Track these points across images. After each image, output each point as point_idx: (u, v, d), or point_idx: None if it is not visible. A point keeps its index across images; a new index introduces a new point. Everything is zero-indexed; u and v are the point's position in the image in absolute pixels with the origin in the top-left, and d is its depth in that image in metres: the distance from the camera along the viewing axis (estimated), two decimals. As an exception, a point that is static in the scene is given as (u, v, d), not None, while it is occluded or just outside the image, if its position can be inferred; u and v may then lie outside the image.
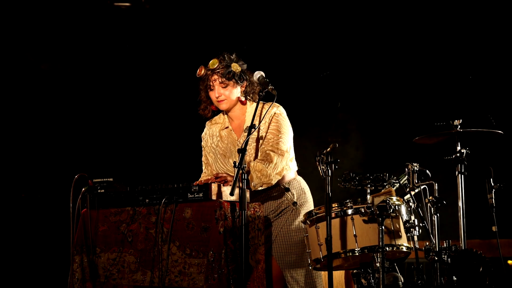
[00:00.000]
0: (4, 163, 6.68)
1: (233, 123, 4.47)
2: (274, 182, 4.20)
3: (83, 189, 4.10)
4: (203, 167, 4.57)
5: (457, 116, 4.49)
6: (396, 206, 4.14)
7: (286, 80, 6.53)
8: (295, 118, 4.53)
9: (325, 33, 6.75)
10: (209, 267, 3.75)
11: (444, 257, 4.16)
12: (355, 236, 4.05)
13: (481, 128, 4.48)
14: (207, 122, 4.60)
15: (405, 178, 4.27)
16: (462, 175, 4.43)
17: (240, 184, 3.81)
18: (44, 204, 6.65)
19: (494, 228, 4.49)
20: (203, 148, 4.58)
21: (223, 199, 3.89)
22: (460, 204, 4.44)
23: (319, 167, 3.91)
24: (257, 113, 4.24)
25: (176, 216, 3.89)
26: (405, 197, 4.26)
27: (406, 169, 4.26)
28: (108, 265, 4.02)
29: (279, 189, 4.34)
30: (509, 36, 6.35)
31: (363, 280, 4.21)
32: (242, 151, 3.88)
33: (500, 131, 4.45)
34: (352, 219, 4.08)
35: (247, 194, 3.89)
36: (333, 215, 4.07)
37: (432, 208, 4.25)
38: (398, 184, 4.27)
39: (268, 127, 4.32)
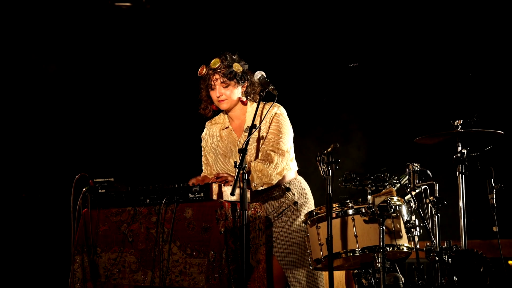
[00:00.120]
0: (4, 163, 6.68)
1: (233, 123, 4.47)
2: (274, 182, 4.20)
3: (84, 189, 4.10)
4: (203, 167, 4.57)
5: (457, 116, 4.49)
6: (397, 206, 4.14)
7: (288, 80, 6.53)
8: (298, 118, 4.53)
9: (326, 33, 6.75)
10: (209, 267, 3.75)
11: (445, 257, 4.16)
12: (355, 236, 4.05)
13: (482, 128, 4.48)
14: (207, 122, 4.60)
15: (406, 178, 4.27)
16: (463, 175, 4.43)
17: (241, 184, 3.81)
18: (45, 204, 6.65)
19: (495, 229, 4.49)
20: (203, 149, 4.58)
21: (224, 199, 3.89)
22: (461, 204, 4.44)
23: (319, 167, 3.91)
24: (257, 113, 4.25)
25: (177, 216, 3.89)
26: (406, 197, 4.26)
27: (407, 169, 4.26)
28: (109, 265, 4.02)
29: (280, 189, 4.35)
30: (510, 36, 6.35)
31: (363, 280, 4.21)
32: (243, 151, 3.88)
33: (501, 131, 4.44)
34: (353, 219, 4.08)
35: (248, 194, 3.89)
36: (334, 215, 4.07)
37: (432, 209, 4.25)
38: (399, 184, 4.27)
39: (269, 127, 4.32)
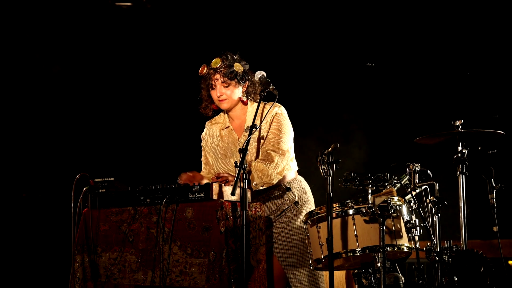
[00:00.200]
0: (5, 163, 6.68)
1: (233, 123, 4.48)
2: (275, 181, 4.20)
3: (84, 188, 4.10)
4: (202, 167, 4.57)
5: (458, 116, 4.49)
6: (397, 206, 4.13)
7: (289, 80, 6.54)
8: (299, 118, 4.53)
9: (327, 33, 6.75)
10: (210, 267, 3.75)
11: (445, 257, 4.16)
12: (356, 236, 4.05)
13: (483, 128, 4.48)
14: (207, 122, 4.60)
15: (406, 178, 4.27)
16: (463, 176, 4.43)
17: (242, 184, 3.81)
18: (45, 203, 6.65)
19: (495, 229, 4.49)
20: (202, 148, 4.58)
21: (224, 199, 3.89)
22: (461, 204, 4.44)
23: (320, 167, 3.91)
24: (258, 112, 4.25)
25: (177, 216, 3.89)
26: (406, 197, 4.26)
27: (407, 169, 4.26)
28: (109, 265, 4.02)
29: (281, 189, 4.35)
30: (510, 36, 6.35)
31: (364, 280, 4.21)
32: (243, 151, 3.88)
33: (501, 131, 4.44)
34: (353, 219, 4.08)
35: (248, 194, 3.89)
36: (334, 215, 4.07)
37: (433, 208, 4.25)
38: (399, 184, 4.27)
39: (270, 127, 4.32)
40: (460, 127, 4.44)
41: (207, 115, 4.53)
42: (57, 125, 6.80)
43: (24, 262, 6.58)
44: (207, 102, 4.47)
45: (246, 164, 3.85)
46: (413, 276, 4.28)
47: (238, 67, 4.33)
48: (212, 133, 4.53)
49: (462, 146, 4.46)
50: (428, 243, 4.21)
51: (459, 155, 4.42)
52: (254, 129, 4.12)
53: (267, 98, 4.28)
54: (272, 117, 4.34)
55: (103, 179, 4.12)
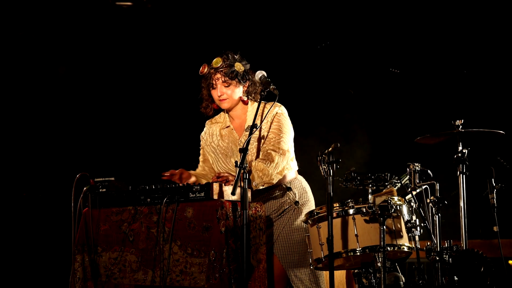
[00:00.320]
0: (5, 162, 6.68)
1: (234, 122, 4.48)
2: (275, 181, 4.20)
3: (85, 188, 4.10)
4: (199, 165, 4.57)
5: (459, 116, 4.49)
6: (398, 206, 4.14)
7: (290, 80, 6.54)
8: (301, 118, 4.53)
9: (327, 33, 6.75)
10: (210, 266, 3.75)
11: (445, 257, 4.16)
12: (356, 235, 4.05)
13: (483, 128, 4.48)
14: (207, 121, 4.61)
15: (406, 178, 4.27)
16: (464, 175, 4.43)
17: (242, 184, 3.81)
18: (46, 203, 6.65)
19: (495, 228, 4.49)
20: (201, 147, 4.59)
21: (225, 198, 3.89)
22: (461, 204, 4.44)
23: (320, 167, 3.91)
24: (258, 112, 4.25)
25: (178, 216, 3.89)
26: (407, 197, 4.26)
27: (408, 169, 4.26)
28: (110, 265, 4.03)
29: (281, 188, 4.35)
30: (510, 36, 6.35)
31: (364, 280, 4.21)
32: (243, 151, 3.88)
33: (502, 131, 4.44)
34: (354, 219, 4.08)
35: (249, 194, 3.89)
36: (334, 214, 4.07)
37: (433, 208, 4.25)
38: (400, 184, 4.27)
39: (270, 126, 4.32)
40: (461, 127, 4.44)
41: (207, 114, 4.53)
42: (57, 125, 6.80)
43: (25, 261, 6.58)
44: (208, 102, 4.47)
45: (247, 163, 3.85)
46: (413, 275, 4.28)
47: (239, 66, 4.33)
48: (212, 132, 4.53)
49: (462, 146, 4.46)
50: (429, 243, 4.21)
51: (459, 155, 4.43)
52: (254, 129, 4.12)
53: (268, 97, 4.28)
54: (273, 117, 4.34)
55: (104, 179, 4.12)
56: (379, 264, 4.01)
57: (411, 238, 4.16)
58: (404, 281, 4.26)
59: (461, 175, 4.43)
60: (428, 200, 4.25)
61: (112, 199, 4.08)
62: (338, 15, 6.73)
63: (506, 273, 4.55)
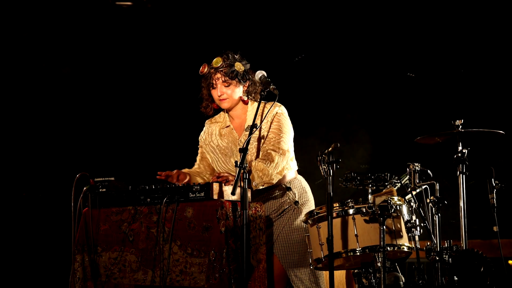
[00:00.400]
0: (5, 162, 6.68)
1: (234, 122, 4.48)
2: (275, 181, 4.20)
3: (85, 188, 4.10)
4: (195, 163, 4.57)
5: (458, 116, 4.49)
6: (398, 206, 4.14)
7: (291, 80, 6.54)
8: (302, 118, 4.52)
9: (328, 33, 6.75)
10: (210, 266, 3.75)
11: (445, 257, 4.16)
12: (356, 235, 4.05)
13: (483, 128, 4.48)
14: (206, 120, 4.61)
15: (406, 178, 4.27)
16: (464, 175, 4.43)
17: (242, 184, 3.81)
18: (46, 203, 6.65)
19: (495, 228, 4.49)
20: (200, 146, 4.58)
21: (225, 198, 3.89)
22: (461, 204, 4.44)
23: (320, 167, 3.91)
24: (258, 112, 4.25)
25: (178, 216, 3.89)
26: (407, 197, 4.26)
27: (408, 169, 4.26)
28: (109, 264, 4.03)
29: (281, 188, 4.35)
30: (510, 36, 6.35)
31: (364, 280, 4.21)
32: (243, 151, 3.88)
33: (501, 131, 4.44)
34: (354, 218, 4.08)
35: (249, 194, 3.89)
36: (334, 214, 4.07)
37: (433, 208, 4.26)
38: (400, 184, 4.27)
39: (270, 126, 4.32)
40: (460, 127, 4.44)
41: (207, 114, 4.53)
42: (57, 124, 6.80)
43: (24, 261, 6.58)
44: (208, 101, 4.47)
45: (246, 163, 3.85)
46: (413, 275, 4.28)
47: (239, 66, 4.33)
48: (211, 132, 4.53)
49: (462, 146, 4.46)
50: (428, 243, 4.21)
51: (459, 155, 4.43)
52: (254, 129, 4.12)
53: (268, 97, 4.28)
54: (273, 117, 4.34)
55: (103, 179, 4.12)
56: (379, 264, 4.01)
57: (411, 238, 4.16)
58: (404, 281, 4.26)
59: (461, 175, 4.43)
60: (428, 200, 4.25)
61: (112, 199, 4.08)
62: (338, 15, 6.72)
63: (506, 273, 4.55)
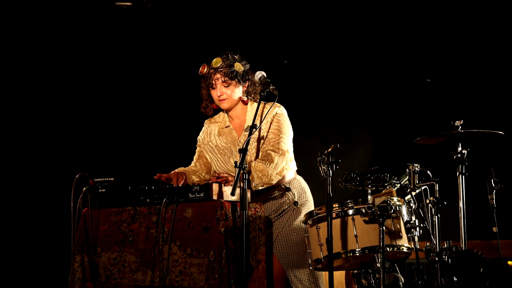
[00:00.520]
0: (4, 163, 6.68)
1: (233, 122, 4.48)
2: (274, 182, 4.20)
3: (84, 188, 4.10)
4: (192, 162, 4.57)
5: (458, 117, 4.49)
6: (397, 207, 4.14)
7: (293, 80, 6.54)
8: (302, 118, 4.52)
9: (328, 34, 6.75)
10: (209, 267, 3.75)
11: (445, 258, 4.16)
12: (355, 236, 4.05)
13: (482, 129, 4.48)
14: (206, 120, 4.61)
15: (406, 179, 4.27)
16: (463, 176, 4.43)
17: (241, 184, 3.81)
18: (45, 203, 6.65)
19: (494, 229, 4.49)
20: (198, 145, 4.59)
21: (224, 199, 3.89)
22: (460, 204, 4.44)
23: (320, 167, 3.91)
24: (258, 112, 4.25)
25: (177, 216, 3.89)
26: (406, 198, 4.26)
27: (407, 170, 4.26)
28: (109, 265, 4.02)
29: (280, 189, 4.35)
30: (510, 36, 6.36)
31: (363, 281, 4.21)
32: (243, 151, 3.88)
33: (501, 132, 4.45)
34: (353, 219, 4.08)
35: (248, 194, 3.89)
36: (334, 215, 4.07)
37: (432, 209, 4.26)
38: (399, 184, 4.27)
39: (270, 127, 4.33)
40: (460, 127, 4.44)
41: (207, 114, 4.53)
42: (57, 125, 6.79)
43: (24, 262, 6.58)
44: (207, 102, 4.47)
45: (246, 164, 3.85)
46: (412, 276, 4.28)
47: (238, 66, 4.33)
48: (210, 132, 4.53)
49: (462, 147, 4.46)
50: (428, 244, 4.21)
51: (459, 155, 4.43)
52: (254, 129, 4.12)
53: (267, 98, 4.28)
54: (272, 117, 4.34)
55: (103, 179, 4.12)
56: (378, 265, 4.01)
57: (410, 239, 4.17)
58: (403, 281, 4.27)
59: (460, 175, 4.43)
60: (428, 201, 4.25)
61: (111, 199, 4.08)
62: (338, 15, 6.72)
63: (505, 274, 4.55)
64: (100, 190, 4.10)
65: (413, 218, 4.21)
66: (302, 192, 4.41)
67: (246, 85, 4.40)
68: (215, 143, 4.48)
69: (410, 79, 6.60)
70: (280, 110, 4.36)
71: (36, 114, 6.77)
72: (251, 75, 4.38)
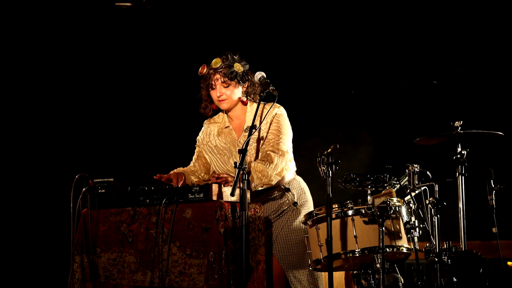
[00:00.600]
0: (4, 163, 6.68)
1: (233, 123, 4.48)
2: (274, 182, 4.20)
3: (84, 189, 4.10)
4: (191, 162, 4.57)
5: (457, 117, 4.49)
6: (397, 207, 4.14)
7: (293, 80, 6.54)
8: (302, 119, 4.52)
9: (328, 34, 6.76)
10: (209, 267, 3.75)
11: (444, 258, 4.16)
12: (355, 237, 4.05)
13: (482, 129, 4.48)
14: (205, 121, 4.61)
15: (405, 179, 4.28)
16: (463, 177, 4.43)
17: (241, 185, 3.81)
18: (45, 204, 6.65)
19: (494, 230, 4.49)
20: (197, 146, 4.59)
21: (224, 199, 3.89)
22: (460, 205, 4.44)
23: (319, 168, 3.91)
24: (257, 113, 4.25)
25: (177, 217, 3.89)
26: (406, 198, 4.26)
27: (407, 170, 4.26)
28: (108, 265, 4.02)
29: (280, 189, 4.35)
30: (509, 37, 6.36)
31: (363, 281, 4.21)
32: (243, 152, 3.88)
33: (500, 133, 4.45)
34: (353, 220, 4.08)
35: (248, 195, 3.89)
36: (333, 216, 4.07)
37: (432, 209, 4.26)
38: (399, 185, 4.27)
39: (269, 127, 4.32)
40: (460, 128, 4.45)
41: (206, 115, 4.53)
42: (57, 125, 6.80)
43: (24, 262, 6.58)
44: (207, 102, 4.47)
45: (246, 164, 3.85)
46: (412, 277, 4.28)
47: (238, 67, 4.33)
48: (210, 132, 4.53)
49: (461, 147, 4.46)
50: (427, 244, 4.21)
51: (458, 156, 4.43)
52: (253, 130, 4.12)
53: (267, 98, 4.28)
54: (272, 118, 4.34)
55: (103, 180, 4.12)
56: (378, 265, 4.01)
57: (410, 239, 4.17)
58: (403, 282, 4.26)
59: (460, 176, 4.43)
60: (427, 201, 4.25)
61: (111, 200, 4.08)
62: (339, 16, 6.72)
63: (504, 275, 4.55)
64: (99, 191, 4.10)
65: (413, 218, 4.21)
66: (302, 193, 4.41)
67: (246, 86, 4.40)
68: (214, 144, 4.48)
69: (410, 80, 6.60)
70: (279, 111, 4.36)
71: (36, 115, 6.77)
72: (251, 76, 4.38)
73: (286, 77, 6.32)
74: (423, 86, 6.56)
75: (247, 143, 3.94)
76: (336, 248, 4.06)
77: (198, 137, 4.60)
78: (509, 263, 6.26)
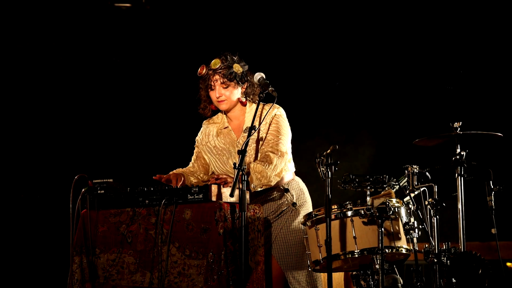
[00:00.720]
0: (3, 163, 6.67)
1: (232, 123, 4.48)
2: (273, 183, 4.20)
3: (83, 189, 4.10)
4: (190, 163, 4.56)
5: (457, 118, 4.49)
6: (396, 208, 4.14)
7: (293, 81, 6.54)
8: (302, 120, 4.52)
9: (328, 34, 6.76)
10: (208, 268, 3.75)
11: (444, 259, 4.16)
12: (354, 238, 4.05)
13: (481, 130, 4.48)
14: (204, 121, 4.61)
15: (404, 180, 4.28)
16: (462, 178, 4.43)
17: (240, 186, 3.81)
18: (44, 204, 6.64)
19: (493, 231, 4.49)
20: (196, 146, 4.59)
21: (223, 200, 3.89)
22: (459, 206, 4.44)
23: (318, 168, 3.91)
24: (257, 114, 4.25)
25: (176, 217, 3.89)
26: (405, 199, 4.26)
27: (406, 171, 4.26)
28: (108, 266, 4.02)
29: (279, 190, 4.35)
30: (509, 37, 6.36)
31: (362, 282, 4.21)
32: (242, 153, 3.88)
33: (500, 134, 4.45)
34: (352, 220, 4.08)
35: (247, 196, 3.89)
36: (332, 216, 4.07)
37: (431, 210, 4.26)
38: (398, 186, 4.27)
39: (268, 128, 4.33)
40: (459, 129, 4.44)
41: (205, 115, 4.53)
42: (56, 125, 6.79)
43: (23, 263, 6.58)
44: (206, 103, 4.48)
45: (245, 165, 3.85)
46: (411, 278, 4.28)
47: (237, 68, 4.33)
48: (209, 132, 4.53)
49: (460, 148, 4.46)
50: (427, 245, 4.21)
51: (458, 157, 4.43)
52: (253, 131, 4.12)
53: (266, 99, 4.28)
54: (271, 119, 4.34)
55: (102, 180, 4.12)
56: (377, 266, 4.01)
57: (409, 240, 4.17)
58: (402, 283, 4.26)
59: (459, 177, 4.43)
60: (426, 202, 4.25)
61: (110, 200, 4.08)
62: (339, 17, 6.72)
63: (504, 276, 4.55)
64: (99, 191, 4.10)
65: (412, 219, 4.21)
66: (301, 193, 4.41)
67: (245, 86, 4.40)
68: (213, 144, 4.48)
69: (409, 81, 6.60)
70: (279, 112, 4.36)
71: (35, 115, 6.77)
72: (250, 76, 4.38)
73: (286, 78, 6.32)
74: (423, 87, 6.56)
75: (246, 144, 3.94)
76: (335, 249, 4.06)
77: (197, 138, 4.61)
78: (508, 264, 6.26)
